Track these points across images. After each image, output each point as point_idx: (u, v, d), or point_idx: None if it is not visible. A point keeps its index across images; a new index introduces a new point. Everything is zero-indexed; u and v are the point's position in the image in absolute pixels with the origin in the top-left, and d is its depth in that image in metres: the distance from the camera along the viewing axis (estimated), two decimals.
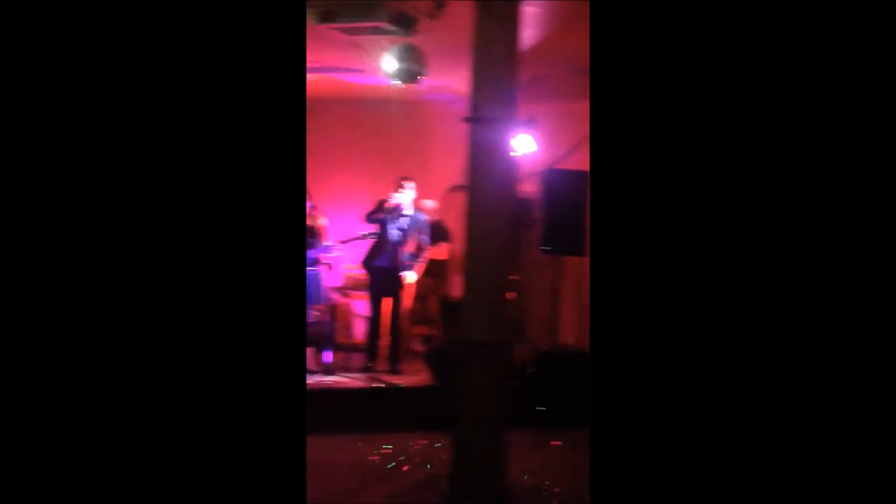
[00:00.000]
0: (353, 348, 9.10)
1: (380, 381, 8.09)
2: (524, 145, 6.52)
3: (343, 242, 8.33)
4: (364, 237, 8.35)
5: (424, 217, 8.62)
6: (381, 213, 8.32)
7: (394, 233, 8.31)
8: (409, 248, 8.41)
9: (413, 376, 8.37)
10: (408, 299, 8.59)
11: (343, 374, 8.37)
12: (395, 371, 8.40)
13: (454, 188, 10.06)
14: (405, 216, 8.37)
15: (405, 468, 6.39)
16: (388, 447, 6.84)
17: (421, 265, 8.59)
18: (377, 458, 6.64)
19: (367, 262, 8.57)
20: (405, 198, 8.34)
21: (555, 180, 7.85)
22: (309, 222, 8.18)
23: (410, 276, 8.43)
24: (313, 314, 8.33)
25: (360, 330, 9.70)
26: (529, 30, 5.49)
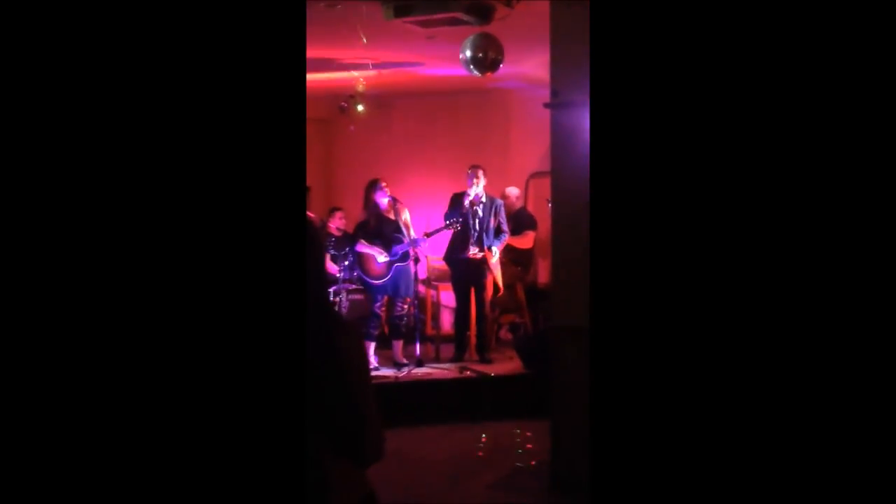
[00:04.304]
0: (441, 340, 9.14)
1: (470, 370, 8.11)
2: None
3: (428, 235, 8.35)
4: (449, 226, 8.35)
5: (500, 202, 8.61)
6: (458, 209, 8.32)
7: (473, 223, 8.32)
8: (489, 234, 8.41)
9: (504, 364, 8.38)
10: (492, 289, 8.59)
11: (433, 365, 8.41)
12: (485, 360, 8.41)
13: (535, 174, 10.07)
14: (481, 204, 8.36)
15: (503, 457, 6.40)
16: (484, 437, 6.86)
17: (503, 246, 8.57)
18: (474, 448, 6.66)
19: (450, 255, 8.60)
20: (478, 187, 8.33)
21: None
22: (393, 216, 8.23)
23: (495, 254, 8.40)
24: (402, 307, 8.39)
25: (447, 321, 9.75)
26: None
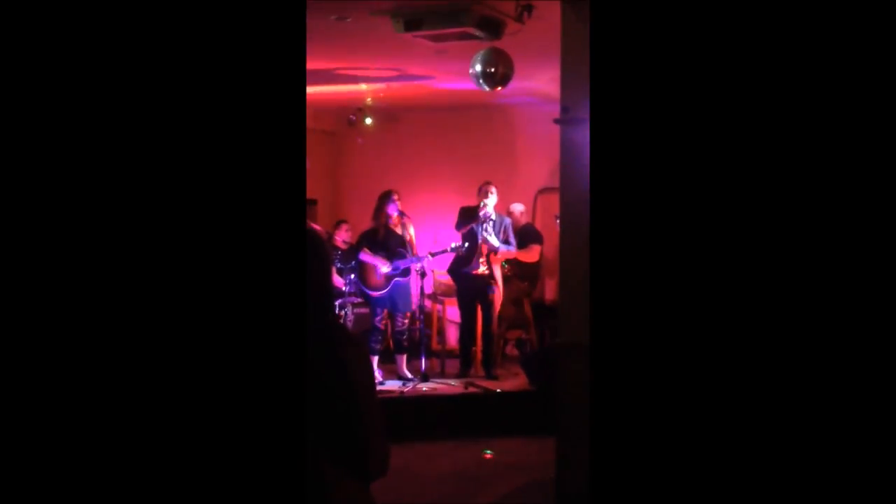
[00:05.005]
0: (447, 354, 9.12)
1: (476, 386, 8.08)
2: None
3: (433, 255, 8.34)
4: (454, 249, 8.37)
5: (508, 220, 8.61)
6: (469, 223, 8.32)
7: (481, 238, 8.31)
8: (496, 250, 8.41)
9: (509, 381, 8.34)
10: (499, 303, 8.57)
11: (438, 380, 8.38)
12: (490, 376, 8.38)
13: (543, 190, 10.06)
14: (491, 221, 8.36)
15: (508, 474, 6.36)
16: (488, 453, 6.82)
17: (508, 254, 8.55)
18: (478, 464, 6.62)
19: (456, 270, 8.58)
20: (490, 203, 8.33)
21: None
22: (399, 231, 8.23)
23: (497, 247, 8.40)
24: (404, 322, 8.37)
25: (453, 336, 9.72)
26: None
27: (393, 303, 8.23)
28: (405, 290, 8.29)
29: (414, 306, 8.45)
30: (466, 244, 8.33)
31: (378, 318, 8.29)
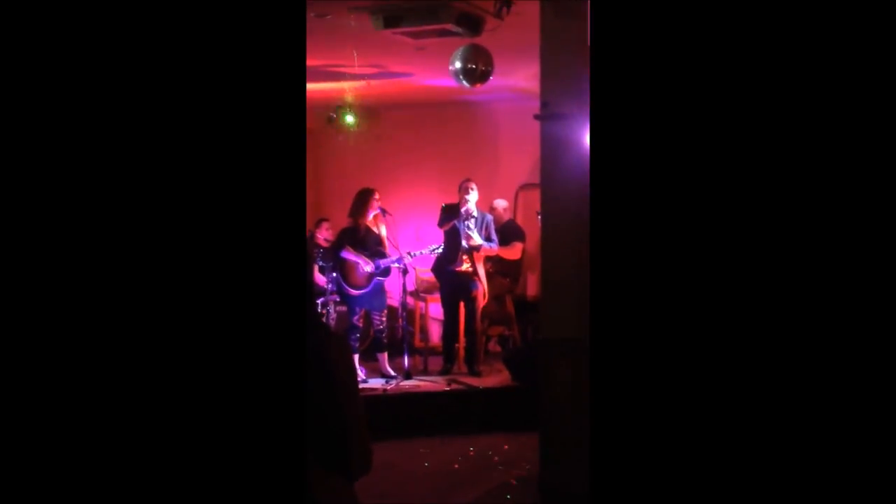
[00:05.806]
0: (430, 352, 9.11)
1: (459, 383, 8.08)
2: None
3: (411, 255, 8.34)
4: (433, 251, 8.37)
5: (490, 217, 8.61)
6: (451, 220, 8.32)
7: (463, 235, 8.30)
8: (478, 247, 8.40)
9: (493, 377, 8.34)
10: (482, 300, 8.56)
11: (422, 377, 8.38)
12: (474, 373, 8.38)
13: (524, 186, 10.06)
14: (473, 219, 8.36)
15: (492, 470, 6.36)
16: (472, 450, 6.82)
17: (489, 251, 8.54)
18: (462, 460, 6.62)
19: (439, 267, 8.57)
20: (472, 200, 8.33)
21: None
22: (376, 230, 8.24)
23: (479, 241, 8.38)
24: (382, 321, 8.35)
25: (436, 333, 9.71)
26: None
27: (370, 301, 8.24)
28: (381, 289, 8.32)
29: (396, 303, 8.43)
30: (443, 247, 8.33)
31: (356, 316, 8.29)
